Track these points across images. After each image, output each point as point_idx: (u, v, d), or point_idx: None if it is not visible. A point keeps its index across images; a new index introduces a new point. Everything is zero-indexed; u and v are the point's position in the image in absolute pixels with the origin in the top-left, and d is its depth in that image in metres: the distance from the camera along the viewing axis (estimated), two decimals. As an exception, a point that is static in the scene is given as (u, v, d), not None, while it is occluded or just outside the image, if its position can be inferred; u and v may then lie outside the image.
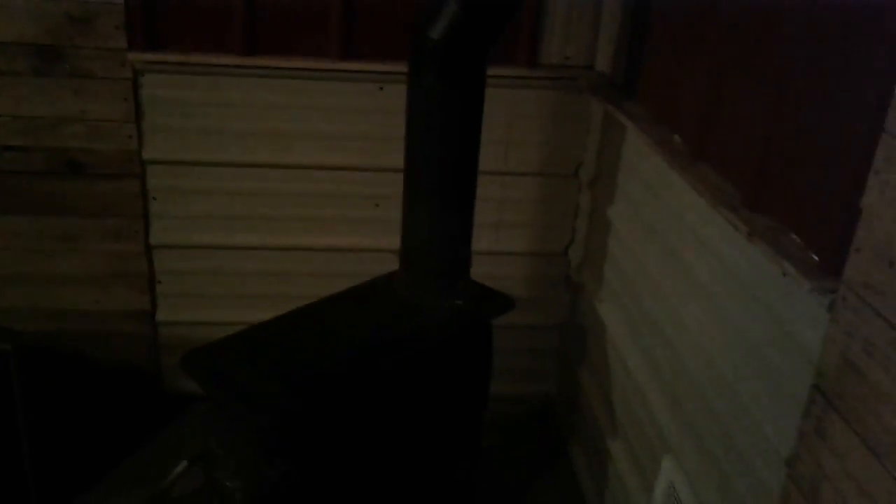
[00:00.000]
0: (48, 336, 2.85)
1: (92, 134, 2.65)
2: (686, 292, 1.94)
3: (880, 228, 1.17)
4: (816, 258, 1.39)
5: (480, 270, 2.38)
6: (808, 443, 1.34)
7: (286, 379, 1.91)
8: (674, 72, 2.07)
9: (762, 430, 1.54)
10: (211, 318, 2.82)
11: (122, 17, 2.50)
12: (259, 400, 1.87)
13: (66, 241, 2.78)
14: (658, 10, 2.23)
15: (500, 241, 2.94)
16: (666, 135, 2.06)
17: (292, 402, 1.85)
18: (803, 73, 1.49)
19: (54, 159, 2.67)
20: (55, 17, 2.49)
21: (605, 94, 2.52)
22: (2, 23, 2.48)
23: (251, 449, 1.90)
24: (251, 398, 1.88)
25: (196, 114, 2.66)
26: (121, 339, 2.94)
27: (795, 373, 1.42)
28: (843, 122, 1.35)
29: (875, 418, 1.17)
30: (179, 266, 2.87)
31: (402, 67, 2.17)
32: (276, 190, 2.80)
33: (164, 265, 2.87)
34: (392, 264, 2.35)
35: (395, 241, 2.33)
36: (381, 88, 2.70)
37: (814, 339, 1.35)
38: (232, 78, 2.62)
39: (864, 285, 1.20)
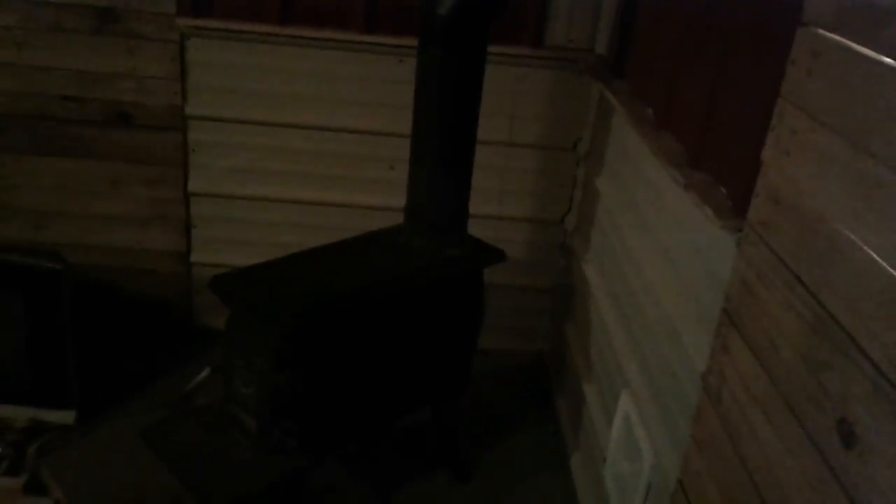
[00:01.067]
0: (92, 269, 3.18)
1: (141, 89, 2.98)
2: (645, 242, 2.22)
3: (771, 174, 1.44)
4: (731, 204, 1.65)
5: (484, 233, 2.66)
6: (716, 357, 1.62)
7: (294, 299, 2.22)
8: (650, 53, 2.34)
9: (690, 354, 1.82)
10: (239, 262, 3.10)
11: (173, -16, 2.83)
12: (270, 315, 2.19)
13: (112, 185, 3.12)
14: (645, -1, 2.50)
15: (502, 207, 3.21)
16: (641, 109, 2.33)
17: (297, 318, 2.16)
18: (732, 55, 1.75)
19: (107, 110, 3.00)
20: (115, -18, 2.83)
21: (599, 74, 2.79)
22: (67, -15, 2.83)
23: (262, 358, 2.22)
24: (264, 314, 2.20)
25: (234, 75, 2.98)
26: (157, 276, 3.28)
27: (714, 301, 1.69)
28: (757, 93, 1.61)
29: (759, 328, 1.44)
30: (213, 213, 3.20)
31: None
32: (303, 149, 3.11)
33: (199, 211, 3.20)
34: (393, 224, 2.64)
35: (405, 201, 2.63)
36: (401, 61, 2.99)
37: (727, 271, 1.62)
38: (267, 45, 2.93)
39: (759, 223, 1.47)
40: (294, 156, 3.12)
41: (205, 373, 2.32)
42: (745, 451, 1.44)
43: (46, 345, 2.67)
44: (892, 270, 1.07)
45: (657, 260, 2.13)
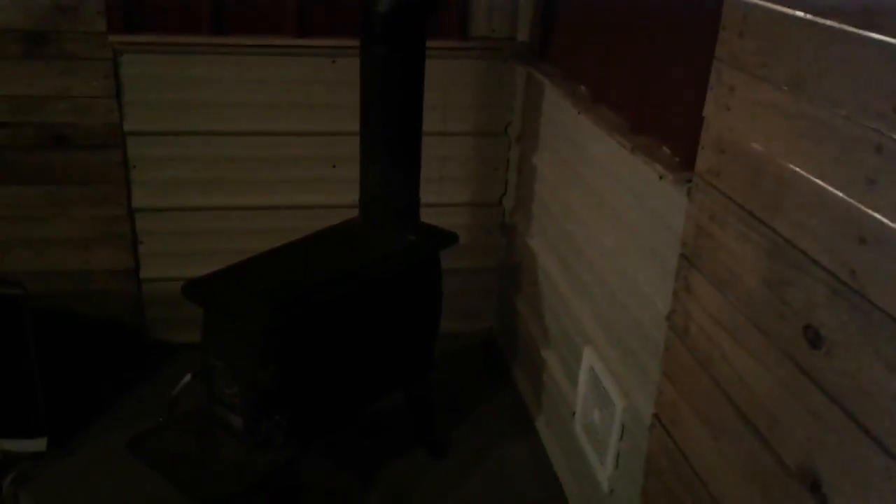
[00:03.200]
0: (41, 295, 3.14)
1: (76, 109, 2.97)
2: (593, 209, 2.41)
3: (714, 128, 1.64)
4: (678, 161, 1.85)
5: (427, 221, 2.79)
6: (679, 298, 1.81)
7: (272, 297, 2.31)
8: (577, 35, 2.53)
9: (652, 301, 2.01)
10: (189, 273, 3.13)
11: (102, 3, 2.84)
12: (251, 314, 2.26)
13: (55, 208, 3.09)
14: (565, -14, 2.69)
15: (442, 194, 3.35)
16: (574, 86, 2.52)
17: (278, 313, 2.25)
18: (663, 29, 1.95)
19: (42, 133, 2.98)
20: (42, 5, 2.81)
21: (526, 59, 2.97)
22: (-6, 12, 2.80)
23: (245, 358, 2.29)
24: (244, 314, 2.28)
25: (170, 88, 3.01)
26: (108, 295, 3.27)
27: (670, 250, 1.88)
28: (691, 60, 1.80)
29: (719, 264, 1.63)
30: (159, 227, 3.22)
31: (351, 42, 2.58)
32: (244, 155, 3.17)
33: (145, 226, 3.21)
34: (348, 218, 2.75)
35: (350, 198, 2.73)
36: (334, 62, 3.09)
37: (679, 221, 1.81)
38: (201, 55, 2.98)
39: (707, 171, 1.67)
40: (236, 163, 3.18)
41: (187, 378, 2.37)
42: (716, 373, 1.63)
43: (12, 375, 2.65)
44: (834, 191, 1.26)
45: (607, 222, 2.32)
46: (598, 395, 2.35)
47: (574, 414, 2.53)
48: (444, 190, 3.36)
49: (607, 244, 2.31)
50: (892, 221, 1.15)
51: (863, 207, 1.20)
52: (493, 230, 3.50)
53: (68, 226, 3.13)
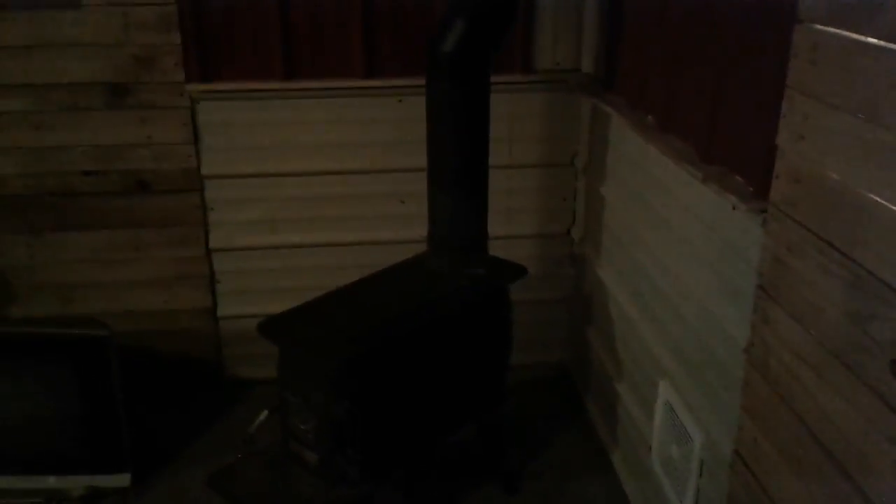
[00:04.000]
0: (122, 335, 3.25)
1: (157, 156, 3.10)
2: (664, 239, 2.37)
3: (789, 157, 1.61)
4: (752, 190, 1.82)
5: (495, 253, 2.80)
6: (757, 330, 1.76)
7: (344, 333, 2.34)
8: (643, 66, 2.52)
9: (729, 333, 1.96)
10: (264, 310, 3.22)
11: (180, 55, 2.96)
12: (324, 350, 2.30)
13: (137, 251, 3.22)
14: (628, 15, 2.68)
15: (510, 226, 3.35)
16: (641, 116, 2.50)
17: (351, 349, 2.28)
18: (732, 58, 1.93)
19: (126, 180, 3.12)
20: (123, 58, 2.96)
21: (591, 89, 2.97)
22: (80, 66, 2.95)
23: (319, 393, 2.33)
24: (318, 350, 2.32)
25: (245, 133, 3.12)
26: (187, 333, 3.37)
27: (746, 281, 1.84)
28: (763, 87, 1.78)
29: (798, 296, 1.59)
30: (235, 266, 3.31)
31: (416, 81, 2.62)
32: (316, 194, 3.24)
33: (222, 266, 3.31)
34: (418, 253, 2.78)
35: (419, 233, 2.76)
36: (400, 101, 3.15)
37: (755, 251, 1.77)
38: (274, 100, 3.08)
39: (783, 201, 1.63)
40: (308, 202, 3.25)
41: (263, 415, 2.42)
42: (799, 409, 1.58)
43: (98, 412, 2.75)
44: (919, 221, 1.22)
45: (679, 253, 2.28)
46: (675, 429, 2.30)
47: (651, 448, 2.48)
48: (511, 222, 3.36)
49: (679, 275, 2.27)
50: (982, 252, 1.10)
51: (949, 237, 1.16)
52: (563, 261, 3.48)
53: (150, 267, 3.25)
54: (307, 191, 3.24)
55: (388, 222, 3.31)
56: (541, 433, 3.18)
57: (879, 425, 1.33)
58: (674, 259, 2.32)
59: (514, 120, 3.22)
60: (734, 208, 1.86)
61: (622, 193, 2.79)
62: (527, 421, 3.25)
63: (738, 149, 1.92)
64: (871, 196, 1.34)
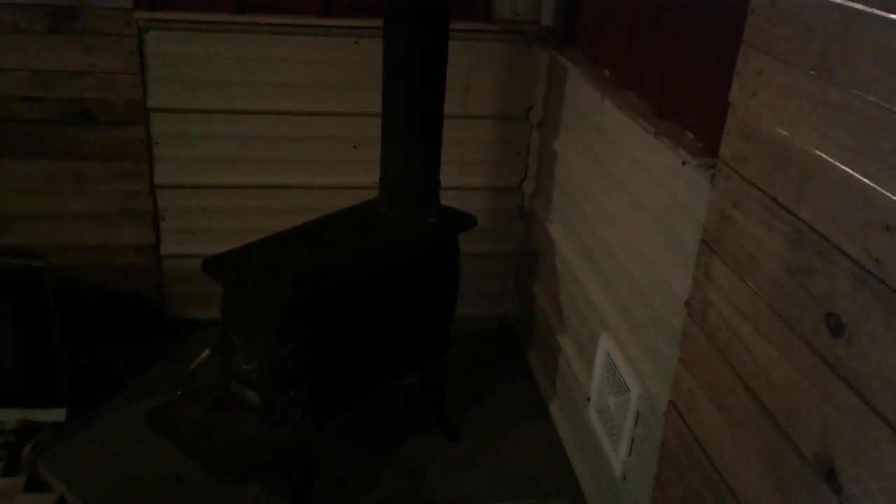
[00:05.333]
0: (62, 268, 3.17)
1: (101, 85, 2.99)
2: (614, 194, 2.39)
3: (740, 114, 1.62)
4: (702, 146, 1.84)
5: (446, 204, 2.78)
6: (699, 284, 1.80)
7: (291, 274, 2.32)
8: (602, 20, 2.51)
9: (672, 287, 2.00)
10: (209, 251, 3.16)
11: (128, -20, 2.86)
12: (270, 291, 2.28)
13: (78, 183, 3.12)
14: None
15: (462, 177, 3.35)
16: (598, 71, 2.50)
17: (297, 290, 2.26)
18: (689, 14, 1.93)
19: (68, 108, 3.00)
20: (69, -20, 2.83)
21: (549, 42, 2.96)
22: (22, -14, 2.82)
23: (263, 334, 2.31)
24: (264, 290, 2.29)
25: (193, 66, 3.02)
26: (129, 270, 3.30)
27: (691, 237, 1.87)
28: (718, 44, 1.79)
29: (740, 251, 1.62)
30: (180, 204, 3.24)
31: (374, 23, 2.58)
32: (265, 134, 3.18)
33: (166, 203, 3.23)
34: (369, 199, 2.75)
35: (370, 179, 2.73)
36: (357, 42, 3.09)
37: (702, 207, 1.80)
38: (225, 34, 2.99)
39: (731, 157, 1.66)
40: (257, 142, 3.19)
41: (205, 353, 2.39)
42: (735, 361, 1.63)
43: (34, 345, 2.69)
44: (861, 178, 1.25)
45: (628, 208, 2.31)
46: (613, 381, 2.34)
47: (589, 399, 2.53)
48: (464, 173, 3.35)
49: (627, 230, 2.30)
50: (919, 209, 1.14)
51: (889, 195, 1.19)
52: (513, 215, 3.49)
53: (91, 200, 3.16)
54: (257, 130, 3.17)
55: (339, 167, 3.27)
56: (483, 383, 3.22)
57: (811, 378, 1.37)
58: (622, 214, 2.35)
59: (471, 70, 3.18)
60: (684, 164, 1.88)
61: (575, 148, 2.80)
62: (470, 371, 3.28)
63: (691, 106, 1.93)
64: (818, 153, 1.36)
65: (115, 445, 2.73)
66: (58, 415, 2.78)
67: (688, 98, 1.95)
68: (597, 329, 2.52)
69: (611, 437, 2.35)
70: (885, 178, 1.20)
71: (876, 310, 1.21)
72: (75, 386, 2.84)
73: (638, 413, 2.19)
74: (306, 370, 2.33)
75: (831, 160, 1.33)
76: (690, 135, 1.92)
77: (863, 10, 1.26)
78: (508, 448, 2.85)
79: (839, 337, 1.30)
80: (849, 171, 1.28)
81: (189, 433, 2.36)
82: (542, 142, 3.21)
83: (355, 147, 3.24)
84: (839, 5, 1.32)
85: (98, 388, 2.97)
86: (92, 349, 3.16)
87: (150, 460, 2.64)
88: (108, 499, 2.52)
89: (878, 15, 1.22)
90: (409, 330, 2.70)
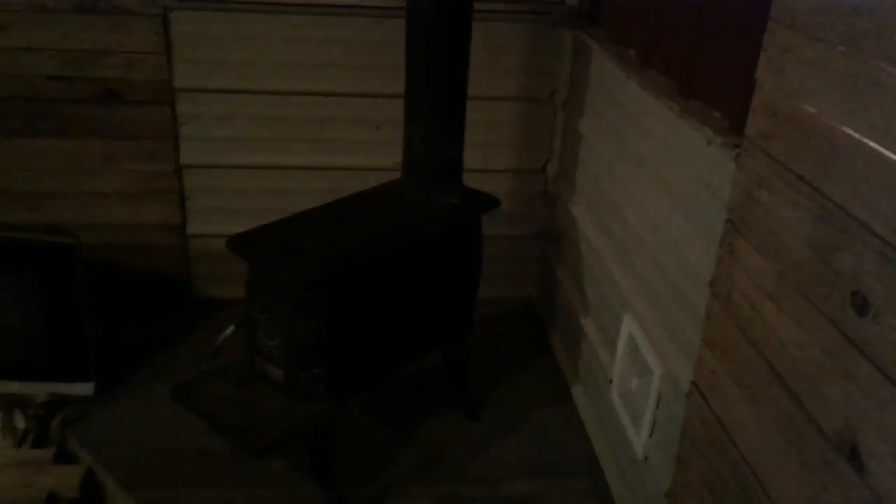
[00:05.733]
0: (90, 246, 3.21)
1: (127, 65, 3.02)
2: (638, 175, 2.38)
3: (767, 91, 1.61)
4: (728, 125, 1.82)
5: (470, 185, 2.78)
6: (723, 264, 1.79)
7: (314, 253, 2.34)
8: (627, 0, 2.48)
9: (696, 268, 1.99)
10: (234, 230, 3.20)
11: (153, -40, 2.88)
12: (294, 269, 2.30)
13: (106, 161, 3.16)
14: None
15: (486, 159, 3.34)
16: (623, 51, 2.48)
17: (320, 268, 2.27)
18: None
19: (95, 88, 3.04)
20: (96, -40, 2.86)
21: (574, 23, 2.93)
22: (49, -34, 2.85)
23: (286, 311, 2.33)
24: (287, 268, 2.31)
25: (219, 46, 3.04)
26: (155, 249, 3.34)
27: (716, 217, 1.86)
28: (745, 21, 1.76)
29: (765, 230, 1.61)
30: (206, 183, 3.27)
31: (399, 3, 2.57)
32: (290, 115, 3.19)
33: (192, 183, 3.27)
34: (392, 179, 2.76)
35: (394, 160, 2.73)
36: (381, 23, 3.09)
37: (727, 187, 1.78)
38: (249, 14, 3.00)
39: (758, 136, 1.64)
40: (282, 122, 3.20)
41: (230, 329, 2.42)
42: (758, 340, 1.62)
43: (63, 320, 2.74)
44: (888, 153, 1.23)
45: (652, 189, 2.29)
46: (636, 362, 2.34)
47: (611, 381, 2.53)
48: (488, 155, 3.35)
49: (651, 210, 2.29)
50: (948, 185, 1.12)
51: (918, 170, 1.17)
52: (537, 197, 3.48)
53: (119, 179, 3.20)
54: (281, 111, 3.19)
55: (362, 148, 3.28)
56: (505, 365, 3.23)
57: (834, 356, 1.36)
58: (647, 195, 2.33)
59: (495, 51, 3.17)
60: (709, 143, 1.87)
61: (600, 129, 2.78)
62: (493, 353, 3.29)
63: (717, 84, 1.91)
64: (845, 129, 1.35)
65: (142, 419, 2.78)
66: (86, 389, 2.83)
67: (714, 77, 1.93)
68: (620, 310, 2.51)
69: (633, 418, 2.35)
70: (913, 154, 1.18)
71: (902, 286, 1.20)
72: (103, 361, 2.89)
73: (660, 394, 2.18)
74: (328, 347, 2.35)
75: (859, 137, 1.31)
76: (716, 114, 1.90)
77: (894, -17, 1.23)
78: (529, 429, 2.86)
79: (864, 315, 1.29)
80: (877, 147, 1.26)
81: (213, 407, 2.40)
82: (566, 123, 3.19)
83: (378, 128, 3.24)
84: (870, -21, 1.30)
85: (125, 364, 3.02)
86: (119, 326, 3.21)
87: (176, 434, 2.69)
88: (134, 471, 2.57)
89: (909, -12, 1.20)
90: (431, 310, 2.71)
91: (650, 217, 2.30)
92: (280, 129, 3.21)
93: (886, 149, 1.24)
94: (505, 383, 3.11)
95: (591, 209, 2.86)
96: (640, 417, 2.28)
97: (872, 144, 1.28)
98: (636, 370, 2.33)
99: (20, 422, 2.69)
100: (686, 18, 2.05)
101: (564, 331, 3.19)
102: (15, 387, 2.77)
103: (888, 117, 1.24)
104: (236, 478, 2.56)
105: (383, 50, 3.09)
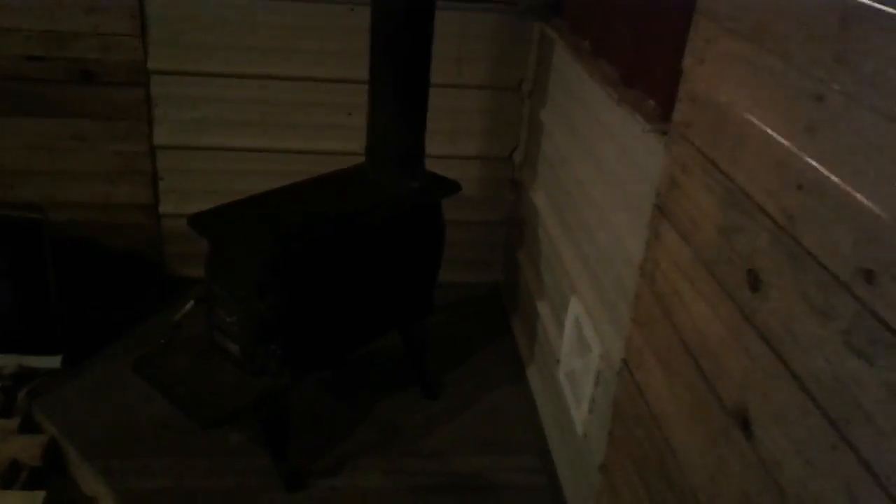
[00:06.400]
0: (64, 224, 3.29)
1: (103, 47, 3.09)
2: (586, 162, 2.46)
3: (690, 80, 1.68)
4: (660, 113, 1.89)
5: (441, 172, 2.85)
6: (650, 247, 1.86)
7: (272, 229, 2.41)
8: (585, -10, 2.55)
9: (630, 251, 2.06)
10: (206, 210, 3.31)
11: (129, -57, 2.94)
12: (251, 246, 2.37)
13: (81, 141, 3.23)
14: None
15: (455, 146, 3.42)
16: (579, 41, 2.55)
17: (276, 246, 2.35)
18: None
19: (71, 68, 3.11)
20: (72, -58, 2.92)
21: (540, 13, 3.00)
22: (26, -53, 2.91)
23: (244, 288, 2.40)
24: (245, 245, 2.39)
25: (193, 30, 3.11)
26: (128, 228, 3.41)
27: (648, 202, 1.92)
28: (678, 13, 1.83)
29: (684, 213, 1.68)
30: (179, 164, 3.34)
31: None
32: (263, 98, 3.26)
33: (165, 164, 3.34)
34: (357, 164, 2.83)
35: (363, 145, 2.80)
36: (353, 10, 3.15)
37: (657, 173, 1.86)
38: (224, -2, 3.08)
39: (682, 123, 1.71)
40: (255, 106, 3.27)
41: (189, 304, 2.49)
42: (675, 319, 1.69)
43: (31, 294, 2.81)
44: (780, 139, 1.31)
45: (598, 175, 2.37)
46: (580, 343, 2.42)
47: (559, 361, 2.61)
48: (456, 142, 3.42)
49: (597, 197, 2.36)
50: (826, 168, 1.19)
51: (802, 155, 1.25)
52: (504, 185, 3.55)
53: (93, 159, 3.26)
54: (254, 94, 3.25)
55: (334, 132, 3.35)
56: (467, 348, 3.31)
57: (733, 331, 1.44)
58: (593, 182, 2.41)
59: (465, 40, 3.24)
60: (644, 131, 1.94)
61: (557, 118, 2.85)
62: (456, 336, 3.37)
63: (654, 74, 1.98)
64: (749, 117, 1.42)
65: (106, 392, 2.85)
66: (53, 362, 2.91)
67: (650, 66, 2.00)
68: (568, 293, 2.59)
69: (575, 397, 2.43)
70: (798, 140, 1.25)
71: (787, 264, 1.28)
72: (72, 336, 2.96)
73: (598, 373, 2.26)
74: (284, 324, 2.42)
75: (758, 123, 1.38)
76: (652, 102, 1.97)
77: (787, -22, 1.31)
78: (484, 408, 2.94)
79: (757, 291, 1.36)
80: (771, 132, 1.34)
81: (171, 380, 2.47)
82: (531, 112, 3.26)
83: (350, 114, 3.31)
84: (774, -26, 1.37)
85: (94, 339, 3.09)
86: (91, 303, 3.29)
87: (139, 407, 2.76)
88: (96, 441, 2.64)
89: (799, -18, 1.27)
90: (390, 290, 2.78)
91: (596, 203, 2.37)
92: (253, 113, 3.28)
93: (778, 134, 1.32)
94: (465, 365, 3.19)
95: (549, 196, 2.94)
96: (581, 396, 2.36)
97: (768, 131, 1.35)
98: (580, 351, 2.41)
99: (-12, 391, 2.77)
100: (629, 9, 2.12)
101: (523, 314, 3.27)
102: (-17, 358, 2.85)
103: (781, 105, 1.31)
104: (195, 449, 2.64)
105: (354, 37, 3.15)
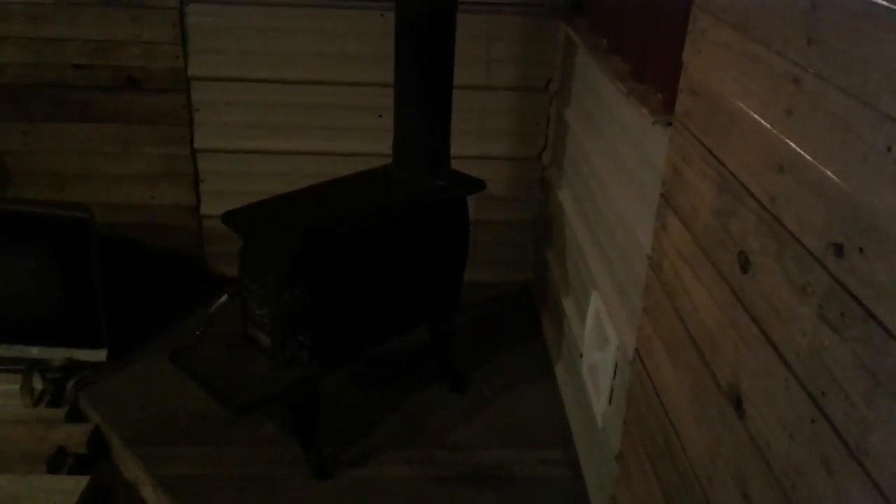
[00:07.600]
0: (110, 225, 3.44)
1: (146, 55, 3.24)
2: (605, 158, 2.50)
3: (689, 72, 1.72)
4: (665, 104, 1.93)
5: (469, 173, 2.92)
6: (657, 237, 1.90)
7: (299, 224, 2.51)
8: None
9: (641, 242, 2.10)
10: (244, 211, 3.43)
11: (171, -44, 3.09)
12: (279, 240, 2.47)
13: (125, 145, 3.39)
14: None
15: (484, 147, 3.48)
16: (598, 40, 2.60)
17: (303, 239, 2.44)
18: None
19: (116, 76, 3.27)
20: (116, -43, 3.09)
21: (565, 14, 3.06)
22: (74, -37, 3.08)
23: (273, 281, 2.51)
24: (273, 239, 2.49)
25: (232, 37, 3.24)
26: (171, 229, 3.56)
27: (656, 193, 1.97)
28: (679, 8, 1.87)
29: (685, 201, 1.72)
30: (219, 167, 3.48)
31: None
32: (298, 102, 3.38)
33: (206, 166, 3.48)
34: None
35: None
36: (382, 15, 3.25)
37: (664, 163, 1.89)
38: (261, 6, 3.20)
39: (683, 114, 1.75)
40: (290, 109, 3.39)
41: (223, 298, 2.60)
42: (679, 305, 1.73)
43: (78, 290, 2.97)
44: (764, 123, 1.34)
45: (615, 170, 2.41)
46: (600, 336, 2.45)
47: (581, 356, 2.64)
48: (485, 143, 3.48)
49: (613, 191, 2.40)
50: (803, 149, 1.23)
51: (782, 137, 1.28)
52: (533, 184, 3.60)
53: (137, 162, 3.42)
54: (290, 98, 3.37)
55: (365, 134, 3.44)
56: (497, 345, 3.36)
57: (727, 312, 1.47)
58: (610, 177, 2.45)
59: (492, 41, 3.31)
60: (653, 123, 1.98)
61: (580, 117, 2.90)
62: (486, 333, 3.42)
63: (661, 67, 2.02)
64: (739, 104, 1.46)
65: (148, 384, 2.99)
66: (99, 355, 3.05)
67: (658, 60, 2.04)
68: (590, 288, 2.63)
69: (596, 389, 2.46)
70: (779, 123, 1.29)
71: (771, 244, 1.31)
72: (117, 331, 3.11)
73: (616, 364, 2.30)
74: (312, 316, 2.51)
75: (747, 110, 1.42)
76: (660, 96, 2.01)
77: (770, -33, 1.34)
78: (511, 403, 2.99)
79: (747, 272, 1.40)
80: (756, 117, 1.38)
81: (206, 371, 2.59)
82: (557, 112, 3.31)
83: (380, 116, 3.40)
84: (762, -35, 1.41)
85: (138, 334, 3.24)
86: (136, 300, 3.44)
87: (178, 398, 2.89)
88: (137, 430, 2.77)
89: (780, -30, 1.31)
90: (416, 285, 2.86)
91: (613, 198, 2.41)
92: (288, 116, 3.40)
93: (763, 119, 1.35)
94: (494, 361, 3.24)
95: (573, 193, 2.98)
96: (601, 388, 2.39)
97: (755, 116, 1.39)
98: (600, 344, 2.45)
99: (38, 383, 2.93)
100: (640, 5, 2.16)
101: (552, 312, 3.31)
102: (34, 351, 3.01)
103: (766, 90, 1.35)
104: (230, 438, 2.75)
105: (385, 41, 3.22)
